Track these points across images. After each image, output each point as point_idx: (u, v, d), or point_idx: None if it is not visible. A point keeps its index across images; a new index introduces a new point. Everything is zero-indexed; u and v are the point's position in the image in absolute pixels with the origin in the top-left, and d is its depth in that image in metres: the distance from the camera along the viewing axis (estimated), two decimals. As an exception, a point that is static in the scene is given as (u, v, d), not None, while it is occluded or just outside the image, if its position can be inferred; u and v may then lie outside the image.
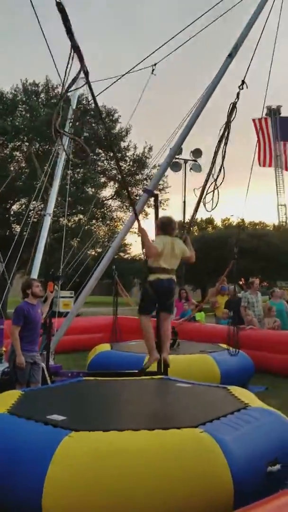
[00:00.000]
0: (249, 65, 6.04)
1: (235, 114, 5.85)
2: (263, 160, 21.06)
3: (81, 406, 4.36)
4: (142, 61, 6.53)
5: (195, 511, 3.02)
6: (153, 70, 6.71)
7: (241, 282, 24.69)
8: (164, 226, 5.49)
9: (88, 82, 4.64)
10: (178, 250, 5.35)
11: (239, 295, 10.88)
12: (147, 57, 6.49)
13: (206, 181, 5.85)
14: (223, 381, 6.68)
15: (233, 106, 5.89)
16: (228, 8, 6.22)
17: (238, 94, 5.95)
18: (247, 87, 5.94)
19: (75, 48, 4.13)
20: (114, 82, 6.79)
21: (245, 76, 6.01)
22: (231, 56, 6.37)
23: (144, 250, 5.37)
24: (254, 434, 3.55)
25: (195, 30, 6.44)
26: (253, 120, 23.11)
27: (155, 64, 6.65)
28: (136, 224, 5.76)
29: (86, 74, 4.85)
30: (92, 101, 4.77)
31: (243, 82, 5.99)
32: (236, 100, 5.91)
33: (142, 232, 5.26)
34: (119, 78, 6.75)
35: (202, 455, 3.17)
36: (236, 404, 4.19)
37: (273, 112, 31.08)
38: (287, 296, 13.45)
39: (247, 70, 6.05)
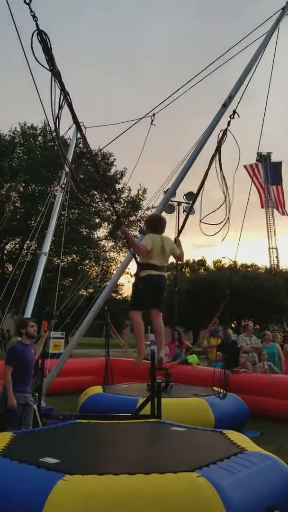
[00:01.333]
0: (241, 97, 6.40)
1: (225, 139, 6.15)
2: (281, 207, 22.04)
3: (74, 449, 4.26)
4: (143, 117, 6.85)
5: None
6: (152, 120, 6.98)
7: (232, 325, 24.62)
8: (154, 224, 5.52)
9: (81, 134, 4.88)
10: (167, 248, 5.39)
11: (232, 338, 10.85)
12: (148, 113, 6.81)
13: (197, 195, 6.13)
14: (218, 425, 6.58)
15: (224, 132, 6.18)
16: (224, 61, 6.55)
17: (229, 122, 6.30)
18: (239, 116, 6.24)
19: (68, 105, 4.34)
20: (119, 135, 7.09)
21: (236, 107, 6.38)
22: (225, 106, 6.68)
23: (131, 249, 5.50)
24: (252, 479, 3.49)
25: (192, 80, 6.75)
26: (245, 166, 23.85)
27: (153, 115, 6.93)
28: (130, 265, 5.88)
29: (78, 125, 5.09)
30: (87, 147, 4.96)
31: (234, 112, 6.31)
32: (227, 127, 6.23)
33: (125, 233, 5.40)
34: (124, 132, 7.04)
35: (199, 500, 3.11)
36: (232, 449, 4.13)
37: (263, 158, 32.16)
38: (280, 339, 13.43)
39: (239, 101, 6.41)
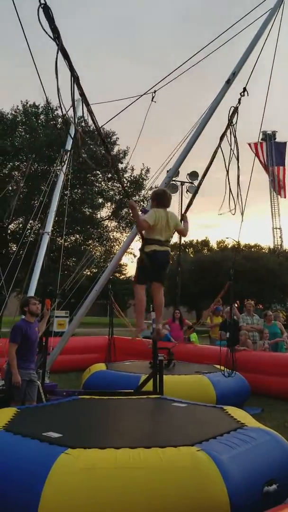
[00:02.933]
0: (251, 73, 6.30)
1: (237, 119, 6.09)
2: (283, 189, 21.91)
3: (77, 424, 4.34)
4: (144, 93, 6.73)
5: (191, 531, 3.01)
6: (153, 97, 6.86)
7: (236, 305, 24.71)
8: (159, 198, 5.49)
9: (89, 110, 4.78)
10: (172, 223, 5.38)
11: (235, 317, 10.90)
12: (150, 90, 6.69)
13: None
14: (219, 402, 6.66)
15: (235, 109, 6.11)
16: (228, 38, 6.42)
17: (239, 99, 6.24)
18: (247, 95, 6.16)
19: (75, 78, 4.25)
20: (120, 111, 6.96)
21: (246, 84, 6.29)
22: (229, 82, 6.57)
23: (136, 223, 5.52)
24: (251, 453, 3.55)
25: (195, 56, 6.62)
26: (249, 144, 23.55)
27: (155, 91, 6.81)
28: (133, 244, 5.89)
29: (87, 102, 5.00)
30: (92, 124, 4.85)
31: (244, 89, 6.22)
32: (238, 105, 6.17)
33: (132, 207, 5.37)
34: (125, 108, 6.92)
35: (198, 473, 3.16)
36: (232, 424, 4.19)
37: (268, 137, 31.73)
38: (282, 318, 13.48)
39: (249, 78, 6.32)
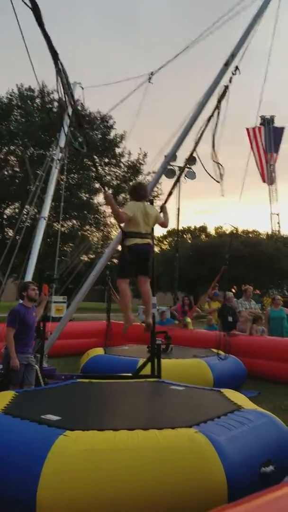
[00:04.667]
0: (244, 52, 6.22)
1: (228, 97, 6.06)
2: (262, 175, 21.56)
3: (76, 407, 4.37)
4: (141, 75, 6.65)
5: (189, 509, 3.04)
6: (149, 78, 6.78)
7: (233, 290, 24.79)
8: (136, 191, 5.47)
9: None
10: (151, 215, 5.35)
11: (230, 304, 10.91)
12: (150, 73, 6.60)
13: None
14: (216, 385, 6.70)
15: (225, 88, 6.04)
16: (224, 20, 6.32)
17: (231, 78, 6.17)
18: (239, 73, 6.09)
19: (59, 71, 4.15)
20: (123, 99, 6.91)
21: (239, 61, 6.24)
22: (227, 64, 6.49)
23: (114, 216, 5.46)
24: (248, 435, 3.59)
25: (191, 39, 6.54)
26: (247, 129, 23.39)
27: (152, 73, 6.73)
28: None
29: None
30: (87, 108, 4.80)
31: (236, 68, 6.15)
32: (229, 84, 6.09)
33: (107, 200, 5.34)
34: (128, 96, 6.86)
35: (196, 454, 3.20)
36: (229, 406, 4.22)
37: (267, 122, 31.47)
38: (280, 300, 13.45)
39: (242, 56, 6.24)
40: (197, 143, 6.20)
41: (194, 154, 6.59)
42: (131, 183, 6.35)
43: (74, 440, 3.24)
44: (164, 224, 5.74)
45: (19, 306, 5.95)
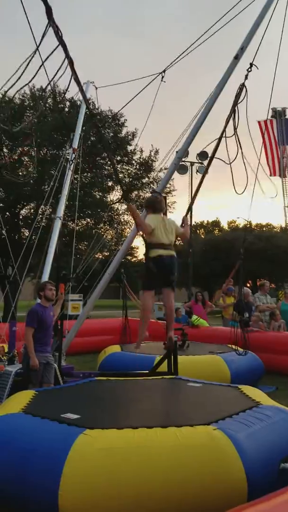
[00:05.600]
0: (258, 48, 6.12)
1: (245, 96, 5.92)
2: (273, 168, 21.14)
3: (94, 405, 4.42)
4: (153, 74, 6.63)
5: (209, 507, 3.06)
6: (162, 77, 6.76)
7: (248, 285, 24.67)
8: (153, 204, 5.50)
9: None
10: (169, 228, 5.36)
11: (251, 298, 10.86)
12: (162, 72, 6.57)
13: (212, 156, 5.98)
14: (233, 381, 6.72)
15: (242, 86, 5.97)
16: (235, 14, 6.26)
17: (246, 75, 6.06)
18: (257, 68, 6.01)
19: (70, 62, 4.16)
20: (134, 96, 6.84)
21: (253, 59, 6.12)
22: (237, 58, 6.44)
23: (138, 227, 5.52)
24: (267, 431, 3.59)
25: (201, 34, 6.49)
26: (259, 122, 23.11)
27: (164, 71, 6.71)
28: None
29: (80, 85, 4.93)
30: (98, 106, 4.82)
31: (251, 64, 6.08)
32: (244, 81, 6.01)
33: (131, 211, 5.39)
34: (139, 92, 6.78)
35: (215, 452, 3.21)
36: (247, 403, 4.23)
37: (278, 114, 31.05)
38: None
39: (256, 52, 6.13)
40: (217, 146, 6.11)
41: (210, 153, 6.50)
42: (147, 196, 6.36)
43: (94, 439, 3.28)
44: (184, 236, 5.75)
45: (37, 306, 6.03)
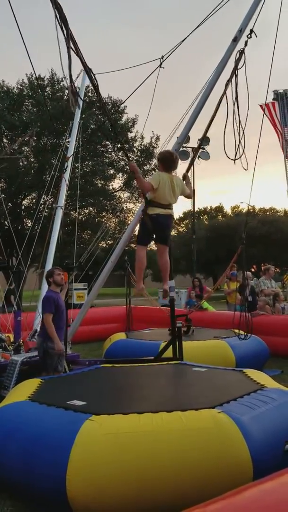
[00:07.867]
0: (257, 16, 6.02)
1: (244, 63, 5.85)
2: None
3: (100, 392, 4.45)
4: (151, 60, 6.53)
5: (215, 489, 3.08)
6: (161, 63, 6.67)
7: (252, 269, 24.64)
8: (166, 160, 5.46)
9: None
10: (176, 187, 5.38)
11: (252, 282, 10.86)
12: (163, 58, 6.47)
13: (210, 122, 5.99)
14: (238, 365, 6.74)
15: (241, 52, 5.91)
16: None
17: (246, 42, 5.98)
18: (255, 36, 5.92)
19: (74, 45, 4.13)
20: (138, 87, 6.74)
21: (253, 26, 6.02)
22: (235, 40, 6.34)
23: (138, 185, 5.57)
24: (271, 413, 3.61)
25: (199, 19, 6.40)
26: (260, 105, 22.85)
27: (162, 57, 6.62)
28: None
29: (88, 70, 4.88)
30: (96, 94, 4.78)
31: (251, 31, 6.00)
32: (244, 47, 5.94)
33: (133, 169, 5.40)
34: (142, 82, 6.66)
35: (220, 434, 3.24)
36: (252, 386, 4.25)
37: (280, 96, 30.71)
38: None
39: (256, 19, 6.03)
40: (212, 118, 6.06)
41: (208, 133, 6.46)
42: (161, 151, 6.27)
43: (100, 424, 3.31)
44: (190, 195, 5.78)
45: (50, 292, 6.00)
